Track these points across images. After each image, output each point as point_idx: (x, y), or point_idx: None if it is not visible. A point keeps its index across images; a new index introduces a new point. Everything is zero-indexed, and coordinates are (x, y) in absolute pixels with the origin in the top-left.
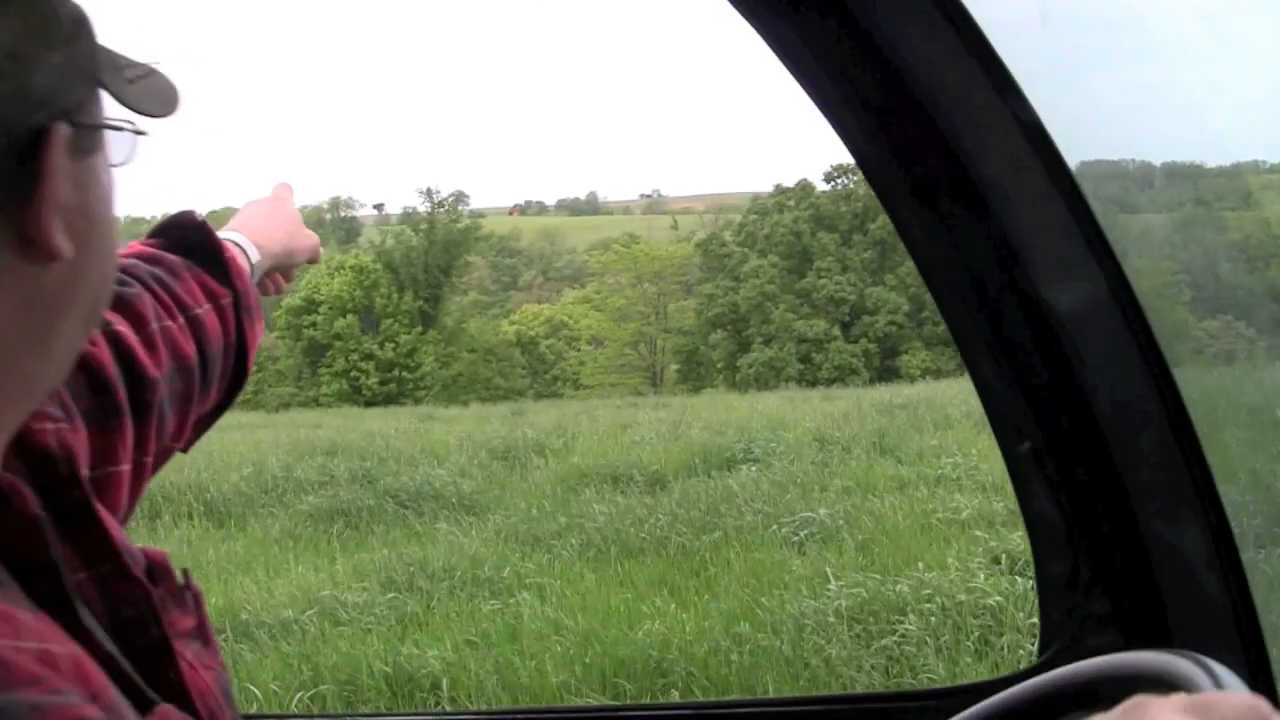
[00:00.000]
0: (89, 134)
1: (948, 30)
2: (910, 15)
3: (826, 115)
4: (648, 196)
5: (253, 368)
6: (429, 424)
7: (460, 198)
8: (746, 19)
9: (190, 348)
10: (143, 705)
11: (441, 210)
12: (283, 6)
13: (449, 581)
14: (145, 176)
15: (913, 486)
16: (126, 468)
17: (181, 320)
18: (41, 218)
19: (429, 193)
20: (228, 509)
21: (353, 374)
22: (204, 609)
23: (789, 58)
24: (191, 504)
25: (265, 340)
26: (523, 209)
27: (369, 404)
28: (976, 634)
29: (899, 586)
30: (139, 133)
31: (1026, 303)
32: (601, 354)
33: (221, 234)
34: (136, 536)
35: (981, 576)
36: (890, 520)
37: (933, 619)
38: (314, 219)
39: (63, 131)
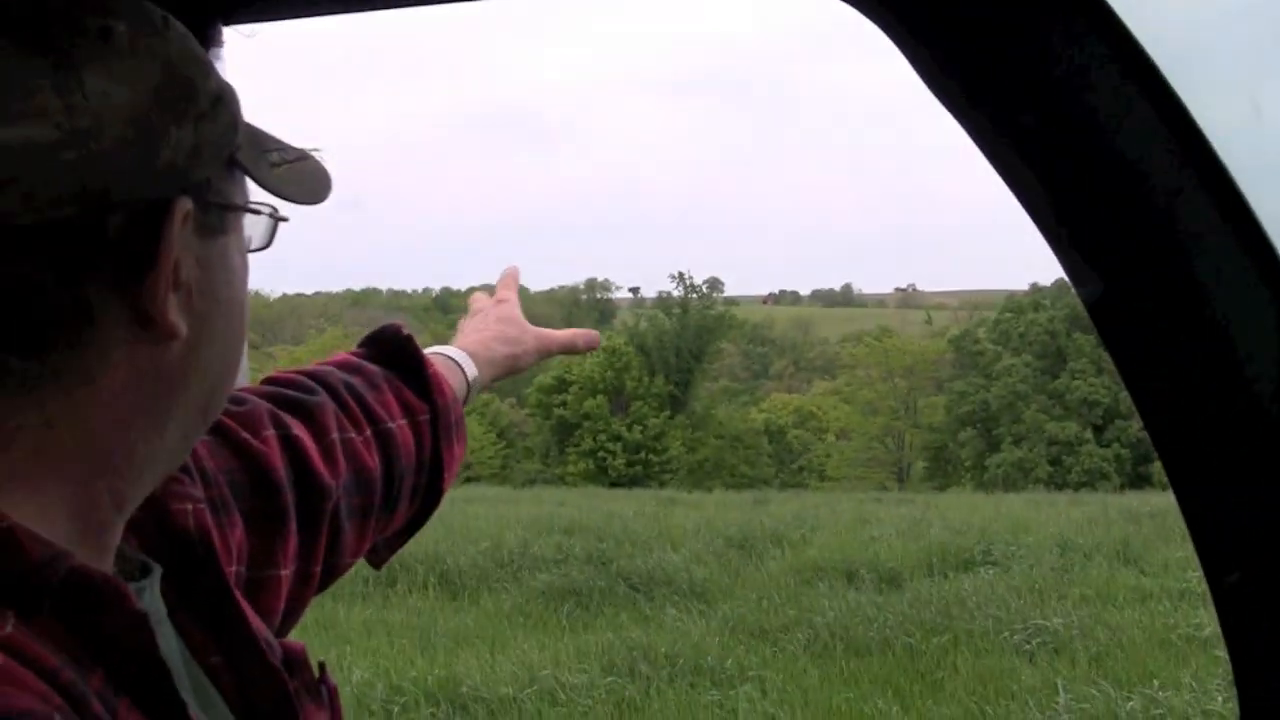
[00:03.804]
0: (219, 214)
1: (1164, 131)
2: (1125, 110)
3: (1035, 220)
4: (902, 290)
5: (449, 488)
6: (670, 508)
7: (715, 284)
8: (972, 137)
9: (374, 461)
10: None
11: (695, 296)
12: (560, 99)
13: (670, 669)
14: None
15: (1154, 599)
16: (286, 573)
17: (369, 432)
18: (157, 294)
19: (682, 278)
20: (462, 581)
21: (599, 454)
22: (339, 705)
23: (1004, 168)
24: (427, 575)
25: (515, 416)
26: (776, 298)
27: (614, 484)
28: None
29: (1130, 704)
30: (279, 218)
31: (1245, 419)
32: (849, 447)
33: (442, 348)
34: (371, 604)
35: (1219, 699)
36: (1127, 633)
37: None
38: (570, 299)
39: (186, 207)
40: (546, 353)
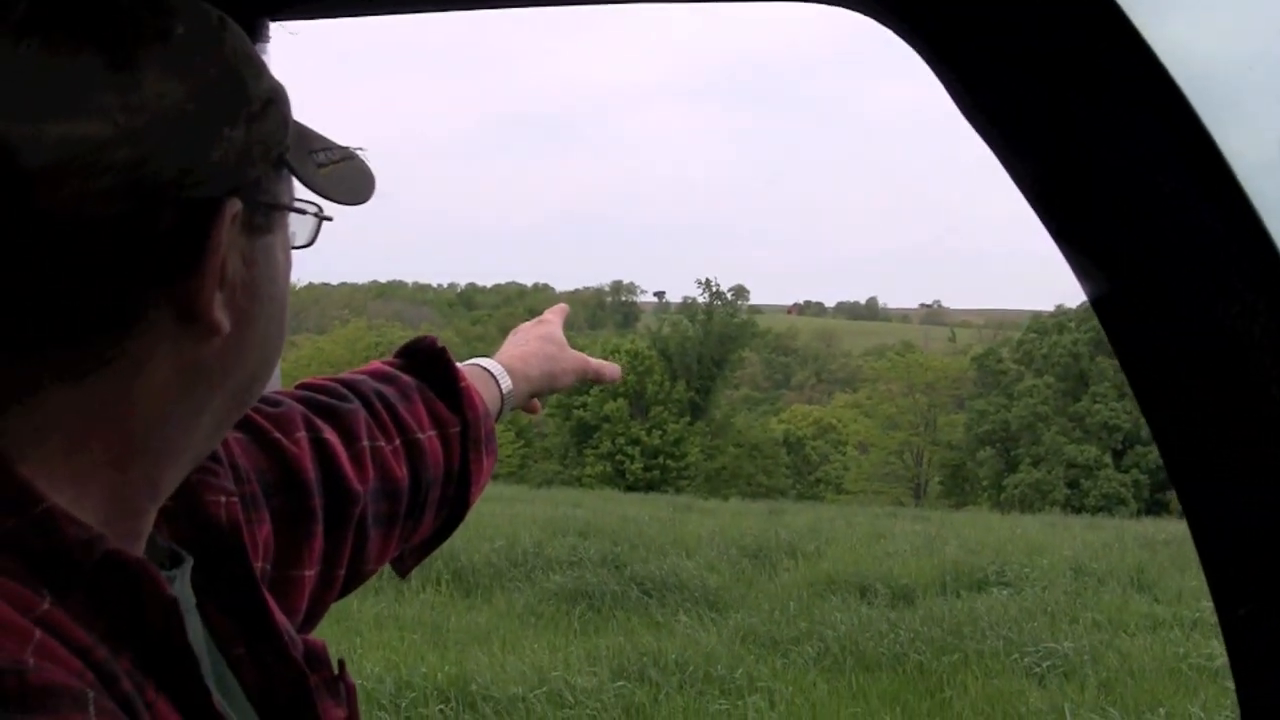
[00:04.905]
0: (266, 213)
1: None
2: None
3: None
4: (927, 306)
5: (476, 500)
6: (686, 514)
7: (740, 292)
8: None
9: (402, 471)
10: None
11: (719, 303)
12: (590, 105)
13: (680, 676)
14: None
15: (1166, 627)
16: (310, 574)
17: (398, 442)
18: (203, 291)
19: (708, 284)
20: (476, 579)
21: (618, 457)
22: (355, 703)
23: (1046, 211)
24: (440, 570)
25: (536, 416)
26: (801, 309)
27: (630, 488)
28: None
29: None
30: (323, 218)
31: (1267, 444)
32: (866, 460)
33: (480, 361)
34: (384, 598)
35: None
36: (1138, 660)
37: None
38: (595, 301)
39: (235, 207)
40: (583, 375)
